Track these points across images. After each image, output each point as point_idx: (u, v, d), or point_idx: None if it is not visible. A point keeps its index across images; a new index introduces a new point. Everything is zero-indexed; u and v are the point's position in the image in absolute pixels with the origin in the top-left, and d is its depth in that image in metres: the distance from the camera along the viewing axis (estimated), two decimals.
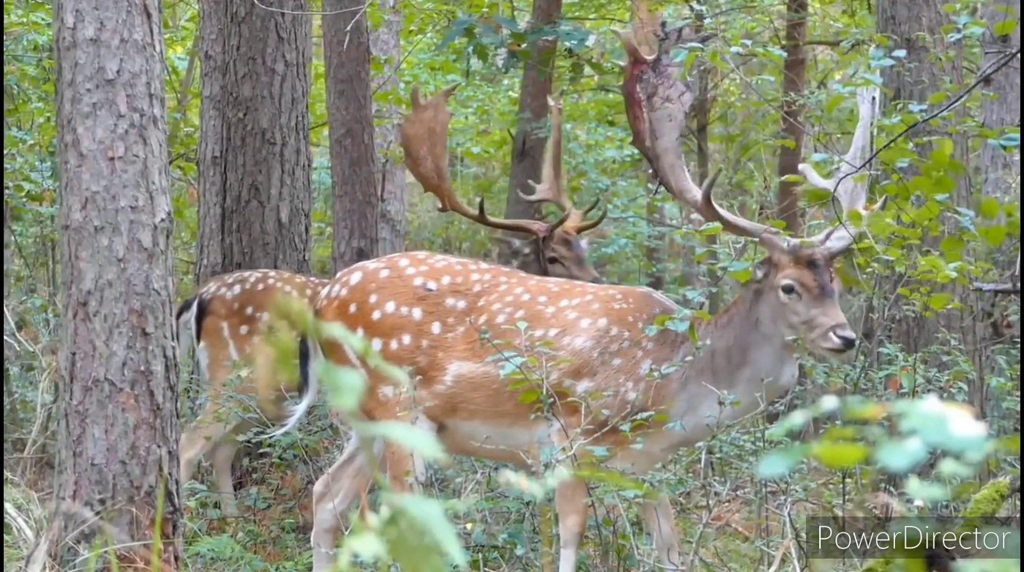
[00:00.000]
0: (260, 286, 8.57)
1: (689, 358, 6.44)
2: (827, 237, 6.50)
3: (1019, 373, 8.32)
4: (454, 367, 6.60)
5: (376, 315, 6.71)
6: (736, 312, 6.58)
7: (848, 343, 6.30)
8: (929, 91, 8.77)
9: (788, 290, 6.39)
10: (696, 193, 6.63)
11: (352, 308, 6.76)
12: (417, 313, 6.70)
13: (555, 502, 6.53)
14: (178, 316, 8.72)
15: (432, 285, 6.73)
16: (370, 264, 7.02)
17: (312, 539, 6.93)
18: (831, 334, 6.27)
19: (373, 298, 6.75)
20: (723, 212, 6.65)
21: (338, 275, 7.11)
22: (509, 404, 6.53)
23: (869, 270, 7.52)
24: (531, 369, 6.35)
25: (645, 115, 6.64)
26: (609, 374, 6.45)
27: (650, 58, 6.79)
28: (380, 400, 6.59)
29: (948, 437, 2.04)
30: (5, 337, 10.18)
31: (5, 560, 6.53)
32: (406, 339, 6.66)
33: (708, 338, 6.51)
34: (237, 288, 8.63)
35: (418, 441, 2.18)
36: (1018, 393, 8.12)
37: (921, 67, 9.11)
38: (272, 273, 8.85)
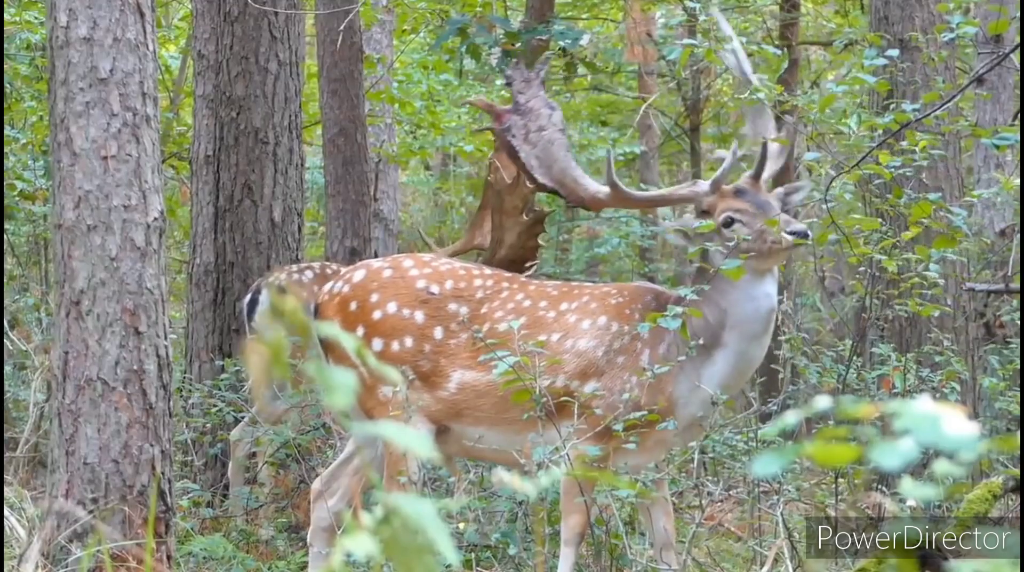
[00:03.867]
0: (328, 272, 8.61)
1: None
2: (731, 158, 6.55)
3: (1014, 373, 8.33)
4: (458, 375, 6.57)
5: (377, 315, 6.68)
6: (697, 280, 6.56)
7: (801, 234, 6.30)
8: (922, 91, 8.78)
9: (728, 223, 6.41)
10: (605, 188, 6.64)
11: (353, 306, 6.74)
12: (419, 316, 6.67)
13: (561, 501, 6.53)
14: (249, 315, 8.69)
15: (435, 289, 6.70)
16: (375, 262, 7.00)
17: (308, 537, 6.92)
18: (782, 235, 6.29)
19: (375, 297, 6.72)
20: (633, 191, 6.67)
21: (343, 271, 7.10)
22: (516, 411, 6.50)
23: (862, 270, 7.53)
24: (525, 369, 6.34)
25: (531, 156, 6.62)
26: (615, 373, 6.43)
27: (506, 107, 6.77)
28: (380, 399, 6.57)
29: (941, 437, 2.05)
30: None
31: None
32: (408, 341, 6.64)
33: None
34: (308, 273, 8.68)
35: (412, 441, 2.18)
36: (1010, 393, 8.13)
37: (914, 67, 9.11)
38: (332, 264, 8.94)
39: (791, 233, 6.30)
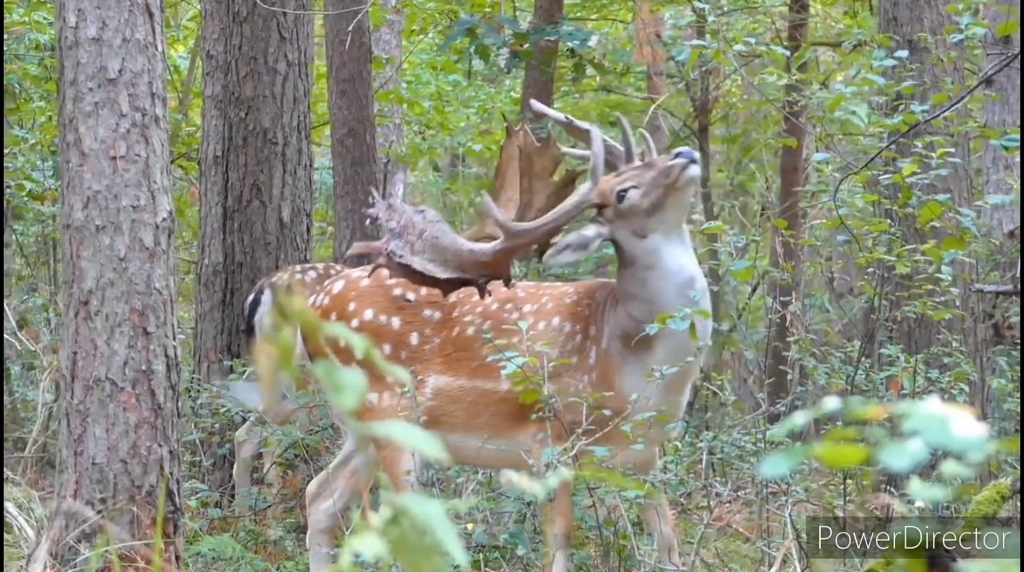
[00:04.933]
0: (332, 273, 8.61)
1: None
2: (597, 144, 6.48)
3: (1020, 374, 8.32)
4: (432, 380, 6.59)
5: (355, 323, 6.69)
6: (619, 276, 6.53)
7: (685, 154, 6.27)
8: (931, 92, 8.77)
9: (622, 197, 6.36)
10: (497, 240, 6.55)
11: (332, 317, 6.76)
12: (396, 323, 6.69)
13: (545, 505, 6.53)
14: (251, 315, 8.68)
15: (411, 295, 6.72)
16: (354, 272, 7.02)
17: (308, 540, 6.92)
18: (674, 161, 6.27)
19: (352, 306, 6.76)
20: (525, 225, 6.54)
21: (325, 283, 7.13)
22: (484, 416, 6.54)
23: (871, 271, 7.53)
24: (491, 374, 6.41)
25: (425, 263, 6.56)
26: (570, 373, 6.40)
27: (381, 241, 6.71)
28: (366, 406, 6.56)
29: (949, 438, 2.04)
30: (6, 336, 10.19)
31: (7, 559, 6.53)
32: (386, 348, 6.64)
33: (618, 311, 6.44)
34: (312, 273, 8.67)
35: (419, 441, 2.18)
36: (1019, 394, 8.12)
37: (923, 68, 9.11)
38: (336, 265, 8.92)
39: (677, 155, 6.30)
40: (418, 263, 6.46)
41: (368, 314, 6.72)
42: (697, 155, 6.33)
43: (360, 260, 9.61)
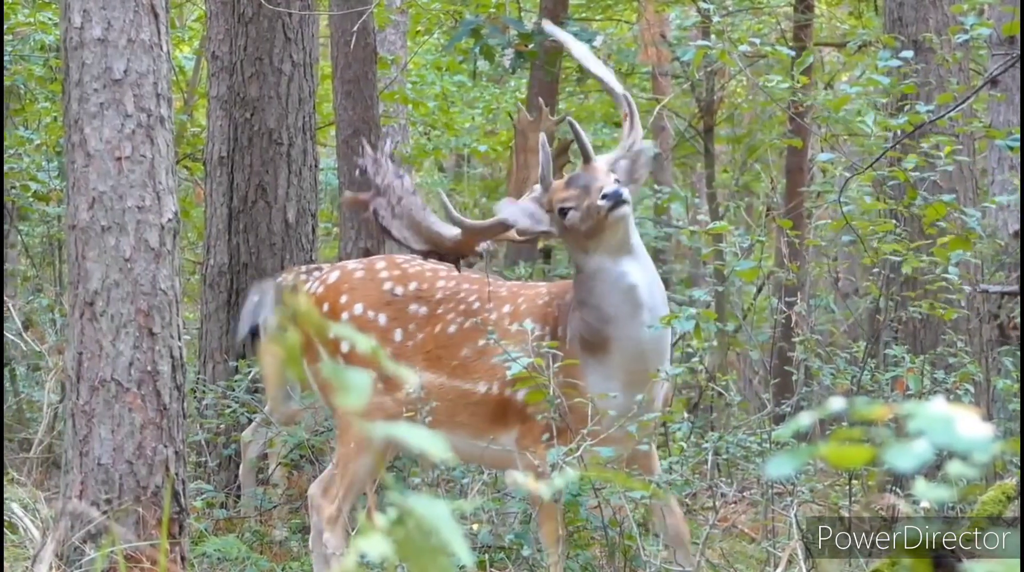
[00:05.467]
0: None
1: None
2: (543, 152, 6.50)
3: (1020, 375, 8.31)
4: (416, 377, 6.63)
5: (344, 316, 6.75)
6: (573, 279, 6.57)
7: (611, 195, 6.23)
8: (936, 92, 8.76)
9: (563, 214, 6.39)
10: (452, 232, 6.59)
11: (325, 307, 6.81)
12: (383, 318, 6.75)
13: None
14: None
15: (399, 290, 6.77)
16: (350, 264, 7.10)
17: (310, 542, 6.92)
18: (600, 202, 6.25)
19: (344, 299, 6.82)
20: (480, 222, 6.63)
21: (322, 271, 7.19)
22: (464, 415, 6.57)
23: (876, 271, 7.53)
24: (476, 378, 6.45)
25: (402, 229, 6.61)
26: (540, 373, 6.41)
27: (368, 193, 6.74)
28: None
29: (955, 438, 2.04)
30: (12, 337, 10.20)
31: (12, 560, 6.54)
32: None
33: (574, 318, 6.48)
34: (316, 274, 8.66)
35: (426, 441, 2.18)
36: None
37: (928, 68, 9.10)
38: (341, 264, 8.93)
39: (603, 197, 6.28)
40: (396, 230, 6.54)
41: (358, 308, 6.78)
42: (626, 194, 6.31)
43: (367, 255, 9.61)
